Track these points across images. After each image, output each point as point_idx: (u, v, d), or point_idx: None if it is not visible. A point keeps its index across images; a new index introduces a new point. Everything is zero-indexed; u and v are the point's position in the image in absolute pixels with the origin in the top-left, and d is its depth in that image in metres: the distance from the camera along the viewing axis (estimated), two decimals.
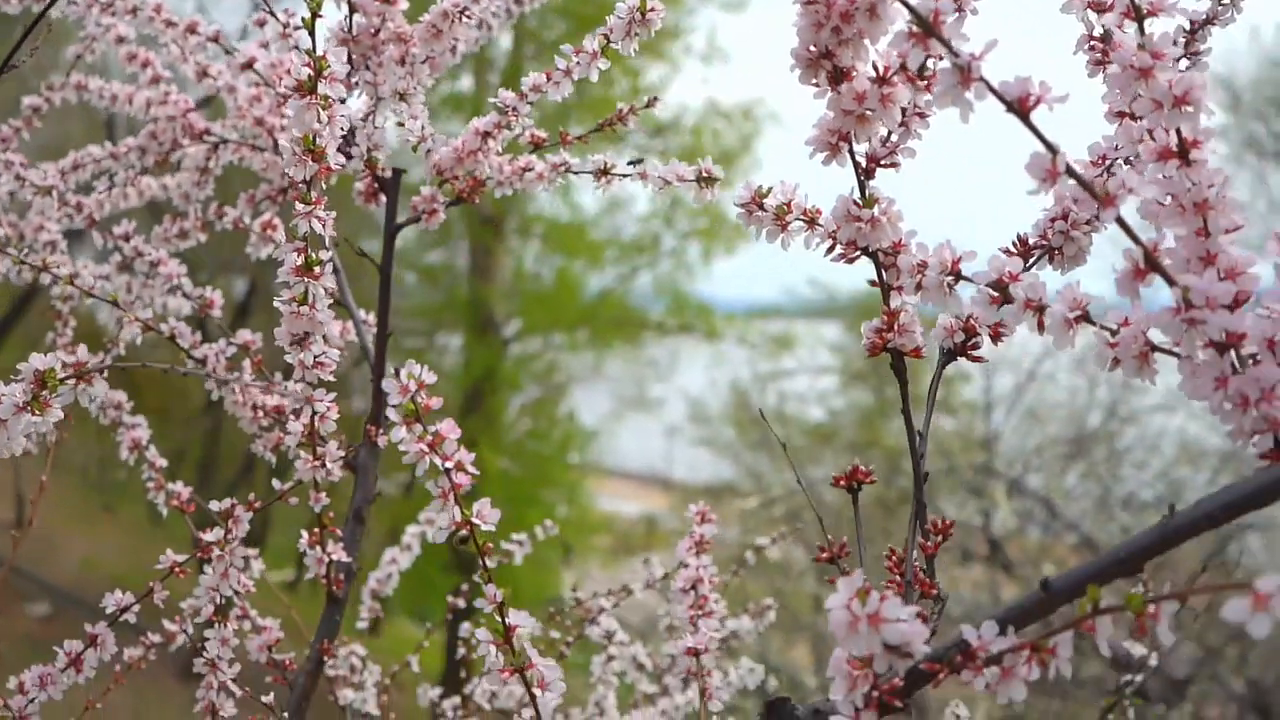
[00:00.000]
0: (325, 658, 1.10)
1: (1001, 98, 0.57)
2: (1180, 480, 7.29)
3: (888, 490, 7.30)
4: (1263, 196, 9.60)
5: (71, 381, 0.74)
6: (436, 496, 0.71)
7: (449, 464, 0.70)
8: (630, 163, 1.03)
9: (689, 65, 10.45)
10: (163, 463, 1.17)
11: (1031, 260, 0.78)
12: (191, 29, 1.17)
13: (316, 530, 1.07)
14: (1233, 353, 0.60)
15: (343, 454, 1.01)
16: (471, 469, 0.71)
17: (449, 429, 0.71)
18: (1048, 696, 6.29)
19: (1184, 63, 0.82)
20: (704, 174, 0.95)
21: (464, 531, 0.72)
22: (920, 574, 0.71)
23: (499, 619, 0.73)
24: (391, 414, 0.70)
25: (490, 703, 1.46)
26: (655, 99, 1.13)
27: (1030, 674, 0.57)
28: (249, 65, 1.11)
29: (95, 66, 1.43)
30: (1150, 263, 0.58)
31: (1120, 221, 0.58)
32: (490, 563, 0.73)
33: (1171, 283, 0.58)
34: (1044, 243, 0.78)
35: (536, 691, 0.73)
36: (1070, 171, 0.57)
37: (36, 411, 0.74)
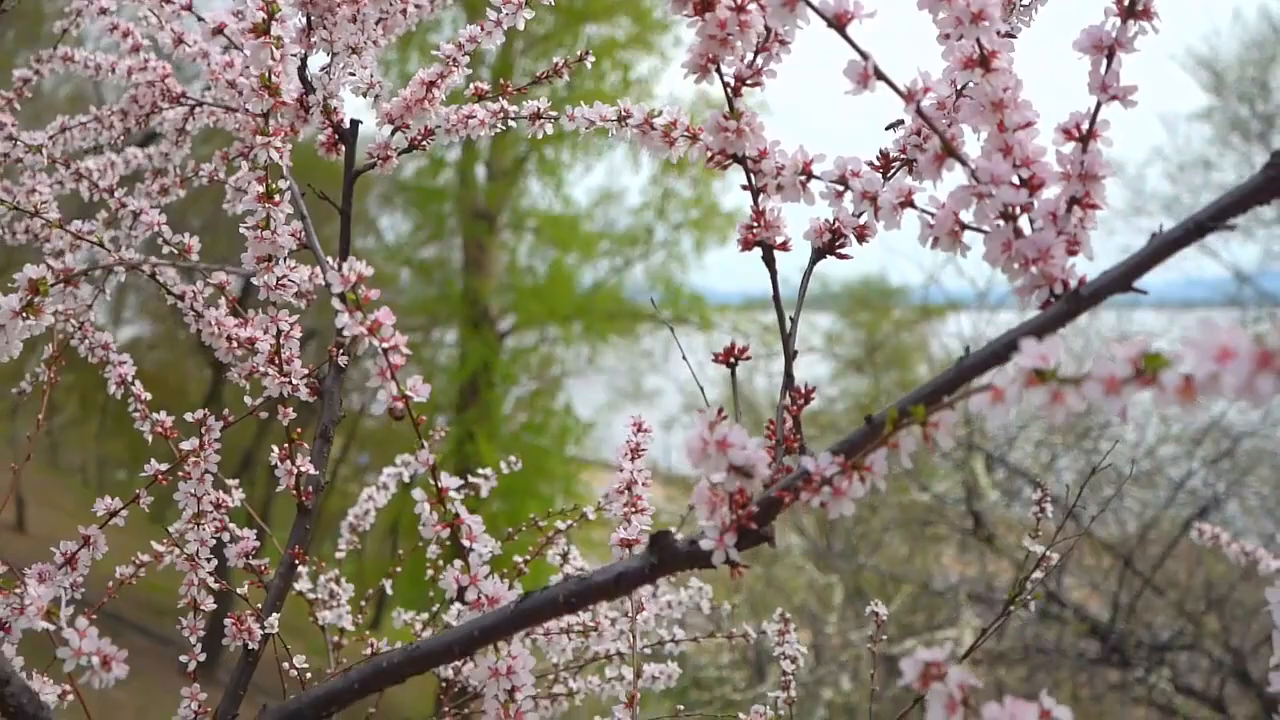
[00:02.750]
0: (296, 561, 1.22)
1: (822, 14, 0.69)
2: (1164, 457, 7.43)
3: None
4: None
5: (60, 286, 0.86)
6: (375, 374, 0.83)
7: (386, 345, 0.82)
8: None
9: (679, 57, 10.55)
10: (147, 396, 1.29)
11: (892, 171, 0.90)
12: None
13: (286, 445, 1.19)
14: (1027, 224, 0.72)
15: (307, 372, 1.13)
16: (405, 350, 0.83)
17: (385, 315, 0.83)
18: (1033, 668, 6.41)
19: None
20: (623, 113, 1.07)
21: (399, 405, 0.84)
22: (789, 433, 0.83)
23: (432, 482, 0.85)
24: (335, 302, 0.81)
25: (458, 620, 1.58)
26: (587, 53, 1.25)
27: (854, 490, 0.69)
28: (219, 30, 1.23)
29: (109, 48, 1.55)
30: (947, 149, 0.70)
31: (920, 113, 0.70)
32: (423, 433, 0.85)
33: (964, 164, 0.70)
34: (903, 156, 0.90)
35: (466, 543, 0.85)
36: (879, 74, 0.69)
37: (31, 314, 0.86)
